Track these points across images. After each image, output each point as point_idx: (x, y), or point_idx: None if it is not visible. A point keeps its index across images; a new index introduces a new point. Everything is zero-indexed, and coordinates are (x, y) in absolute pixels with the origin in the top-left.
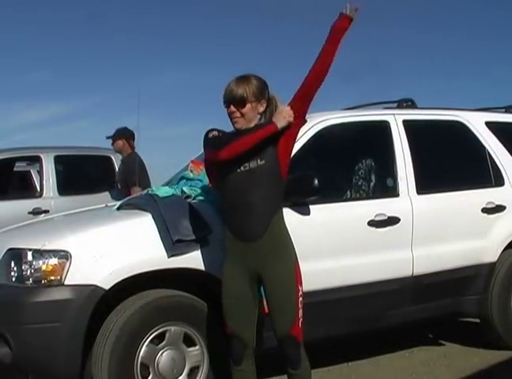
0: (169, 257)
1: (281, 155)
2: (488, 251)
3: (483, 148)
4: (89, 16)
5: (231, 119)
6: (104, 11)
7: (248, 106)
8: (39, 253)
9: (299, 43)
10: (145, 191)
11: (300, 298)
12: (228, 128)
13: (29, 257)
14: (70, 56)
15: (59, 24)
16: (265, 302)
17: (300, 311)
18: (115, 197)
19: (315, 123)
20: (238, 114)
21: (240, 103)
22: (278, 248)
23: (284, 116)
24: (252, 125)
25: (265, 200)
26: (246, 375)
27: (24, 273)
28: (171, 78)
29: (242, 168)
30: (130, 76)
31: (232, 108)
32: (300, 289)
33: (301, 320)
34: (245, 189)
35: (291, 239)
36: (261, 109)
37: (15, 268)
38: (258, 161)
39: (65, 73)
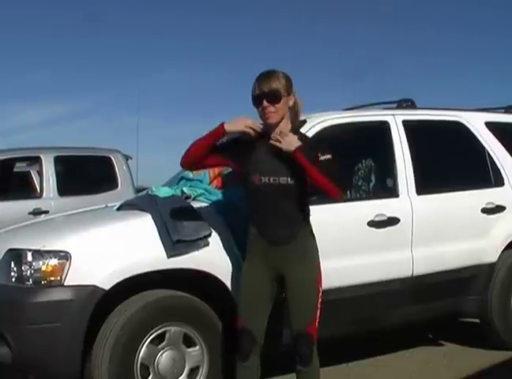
0: (169, 257)
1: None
2: (488, 251)
3: (483, 148)
4: (90, 15)
5: (263, 115)
6: (105, 11)
7: (282, 100)
8: (39, 254)
9: (299, 42)
10: (145, 191)
11: (320, 299)
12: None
13: (29, 257)
14: (71, 56)
15: (59, 23)
16: None
17: (318, 311)
18: None
19: (315, 124)
20: (272, 110)
21: (274, 97)
22: (304, 251)
23: (241, 123)
24: (284, 120)
25: (294, 210)
26: (251, 372)
27: (24, 274)
28: (172, 78)
29: (272, 181)
30: (131, 75)
31: (265, 103)
32: (320, 290)
33: (317, 320)
34: (275, 201)
35: (316, 242)
36: (291, 103)
37: (15, 269)
38: (288, 179)
39: (66, 72)
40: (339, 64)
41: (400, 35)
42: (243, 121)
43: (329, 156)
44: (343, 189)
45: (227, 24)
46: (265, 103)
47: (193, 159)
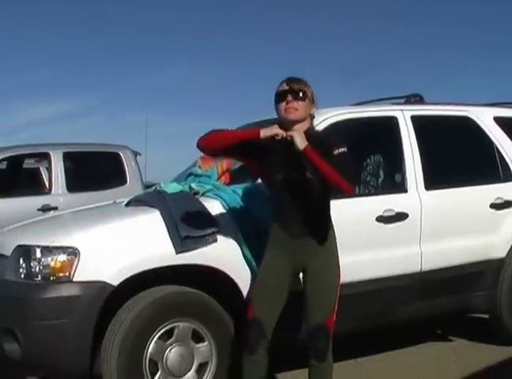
0: (177, 253)
1: None
2: (497, 247)
3: (492, 143)
4: (93, 13)
5: (286, 110)
6: (107, 8)
7: (306, 102)
8: (47, 250)
9: (300, 39)
10: (154, 187)
11: (338, 293)
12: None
13: (38, 253)
14: (75, 53)
15: (62, 21)
16: None
17: (336, 305)
18: None
19: (323, 119)
20: (295, 105)
21: (299, 96)
22: (325, 245)
23: (273, 130)
24: (304, 123)
25: (315, 205)
26: (258, 365)
27: (32, 270)
28: (176, 74)
29: (294, 177)
30: (135, 73)
31: (290, 98)
32: (339, 284)
33: (335, 314)
34: (297, 195)
35: (335, 236)
36: (312, 111)
37: (24, 265)
38: (309, 174)
39: (70, 70)
40: (340, 60)
41: (403, 31)
42: (276, 129)
43: (343, 149)
44: (355, 183)
45: (227, 20)
46: (289, 97)
47: (215, 146)
